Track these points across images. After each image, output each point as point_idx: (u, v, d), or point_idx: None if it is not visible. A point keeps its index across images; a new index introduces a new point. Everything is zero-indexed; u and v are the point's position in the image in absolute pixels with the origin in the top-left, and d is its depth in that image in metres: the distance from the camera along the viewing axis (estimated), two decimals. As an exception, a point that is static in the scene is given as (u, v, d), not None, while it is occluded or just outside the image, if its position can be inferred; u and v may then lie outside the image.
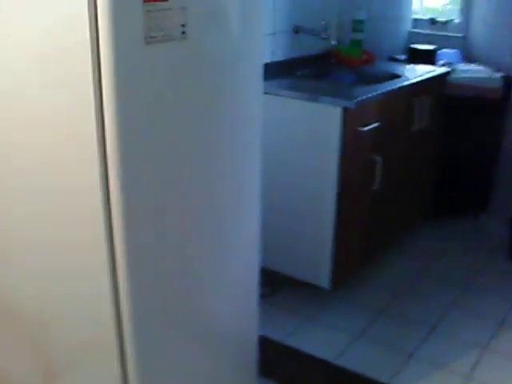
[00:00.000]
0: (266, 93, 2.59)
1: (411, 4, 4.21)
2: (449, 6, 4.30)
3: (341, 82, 3.14)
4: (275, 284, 2.90)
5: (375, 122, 2.68)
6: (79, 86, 1.33)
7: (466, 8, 3.96)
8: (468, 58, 3.89)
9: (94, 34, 1.28)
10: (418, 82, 3.05)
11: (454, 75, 3.42)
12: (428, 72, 3.25)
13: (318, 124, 2.58)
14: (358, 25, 3.47)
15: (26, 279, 1.69)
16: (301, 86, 2.87)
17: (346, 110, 2.49)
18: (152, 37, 1.36)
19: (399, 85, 2.91)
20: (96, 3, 1.26)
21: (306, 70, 3.14)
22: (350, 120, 2.52)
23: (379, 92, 2.72)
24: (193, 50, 1.50)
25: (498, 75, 3.55)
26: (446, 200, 3.67)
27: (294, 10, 3.14)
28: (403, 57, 3.87)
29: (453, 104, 3.46)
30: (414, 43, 3.98)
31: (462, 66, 3.66)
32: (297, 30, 3.18)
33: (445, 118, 3.48)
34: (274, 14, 3.01)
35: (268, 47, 3.00)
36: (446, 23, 4.12)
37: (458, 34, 4.01)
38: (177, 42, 1.44)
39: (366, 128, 2.62)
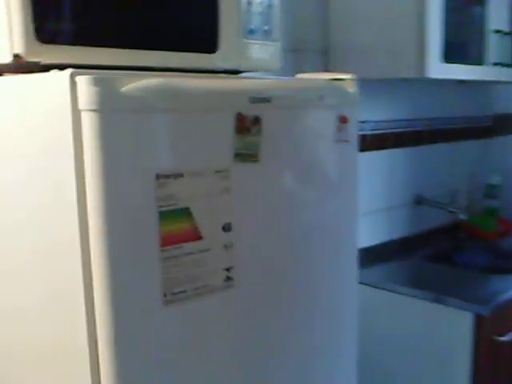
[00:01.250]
0: (375, 287, 2.20)
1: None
2: None
3: (471, 265, 2.62)
4: None
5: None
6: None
7: None
8: None
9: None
10: None
11: None
12: None
13: (440, 331, 2.07)
14: (491, 190, 2.98)
15: None
16: (420, 274, 2.39)
17: (478, 317, 1.97)
18: (176, 293, 0.99)
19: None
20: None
21: (429, 248, 2.65)
22: (483, 328, 1.99)
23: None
24: (244, 298, 1.11)
25: None
26: None
27: (415, 180, 2.73)
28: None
29: None
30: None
31: None
32: (419, 201, 2.74)
33: None
34: (389, 185, 2.61)
35: (384, 225, 2.58)
36: None
37: None
38: (218, 294, 1.06)
39: (505, 337, 2.07)
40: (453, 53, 2.24)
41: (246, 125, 1.08)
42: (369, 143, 2.46)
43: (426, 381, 2.12)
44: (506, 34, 2.45)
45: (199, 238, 1.02)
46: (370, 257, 2.44)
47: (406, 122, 2.65)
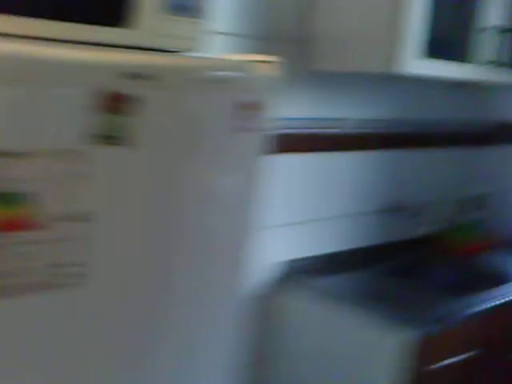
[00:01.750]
0: (317, 298, 2.05)
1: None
2: None
3: (437, 282, 2.44)
4: None
5: (462, 354, 1.95)
6: None
7: None
8: None
9: None
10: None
11: None
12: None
13: (367, 352, 1.91)
14: (474, 203, 2.80)
15: None
16: (373, 288, 2.23)
17: (406, 342, 1.80)
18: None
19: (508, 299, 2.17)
20: None
21: (396, 259, 2.47)
22: (411, 354, 1.81)
23: (474, 311, 2.01)
24: (89, 298, 0.96)
25: None
26: None
27: (392, 185, 2.55)
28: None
29: None
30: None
31: None
32: (394, 209, 2.56)
33: None
34: (362, 189, 2.43)
35: (350, 231, 2.41)
36: None
37: None
38: (53, 291, 0.92)
39: (441, 364, 1.89)
40: (436, 49, 2.05)
41: (111, 103, 0.94)
42: (347, 142, 2.29)
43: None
44: (504, 31, 2.25)
45: (34, 227, 0.88)
46: (331, 264, 2.29)
47: (390, 122, 2.46)
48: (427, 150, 2.64)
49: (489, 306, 2.07)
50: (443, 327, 1.88)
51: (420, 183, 2.64)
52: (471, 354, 1.98)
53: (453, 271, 2.51)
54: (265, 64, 1.20)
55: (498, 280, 2.31)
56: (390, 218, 2.52)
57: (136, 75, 0.96)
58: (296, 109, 2.07)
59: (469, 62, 2.14)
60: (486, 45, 2.18)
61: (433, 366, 1.86)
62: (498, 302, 2.09)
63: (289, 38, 2.02)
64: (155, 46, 1.18)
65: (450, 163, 2.77)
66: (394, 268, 2.39)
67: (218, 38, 1.75)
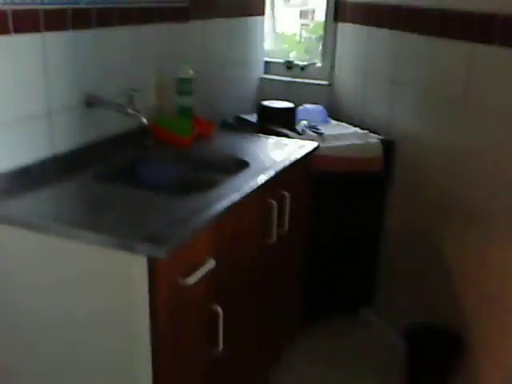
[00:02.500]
0: (18, 224, 1.58)
1: (261, 42, 3.31)
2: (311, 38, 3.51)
3: (159, 182, 2.07)
4: None
5: (208, 260, 1.68)
6: None
7: (330, 48, 3.14)
8: (335, 114, 3.04)
9: None
10: (274, 175, 2.05)
11: (320, 145, 2.50)
12: (287, 151, 2.30)
13: (109, 279, 1.54)
14: (183, 85, 2.44)
15: None
16: (87, 201, 1.80)
17: (154, 261, 1.46)
18: None
19: (245, 189, 1.89)
20: None
21: (104, 163, 2.05)
22: (163, 271, 1.49)
23: (215, 213, 1.69)
24: None
25: (376, 139, 2.71)
26: (324, 299, 2.85)
27: (83, 74, 2.04)
28: (253, 117, 2.94)
29: (322, 184, 2.56)
30: (266, 96, 3.10)
31: (329, 130, 2.79)
32: (91, 103, 2.08)
33: (313, 206, 2.55)
34: (46, 82, 1.89)
35: (41, 136, 1.89)
36: (305, 67, 3.28)
37: (321, 82, 3.20)
38: None
39: (192, 277, 1.59)
40: None
41: None
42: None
43: (98, 342, 1.60)
44: None
45: None
46: (21, 182, 1.78)
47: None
48: (115, 28, 2.16)
49: (231, 201, 1.78)
50: (183, 240, 1.55)
51: (115, 69, 2.18)
52: (218, 256, 1.71)
53: (177, 166, 2.16)
54: None
55: (229, 167, 2.04)
56: (87, 114, 2.04)
57: None
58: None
59: None
60: None
61: (185, 280, 1.57)
62: (231, 201, 1.79)
63: None
64: None
65: (145, 44, 2.34)
66: (105, 172, 1.96)
67: None
